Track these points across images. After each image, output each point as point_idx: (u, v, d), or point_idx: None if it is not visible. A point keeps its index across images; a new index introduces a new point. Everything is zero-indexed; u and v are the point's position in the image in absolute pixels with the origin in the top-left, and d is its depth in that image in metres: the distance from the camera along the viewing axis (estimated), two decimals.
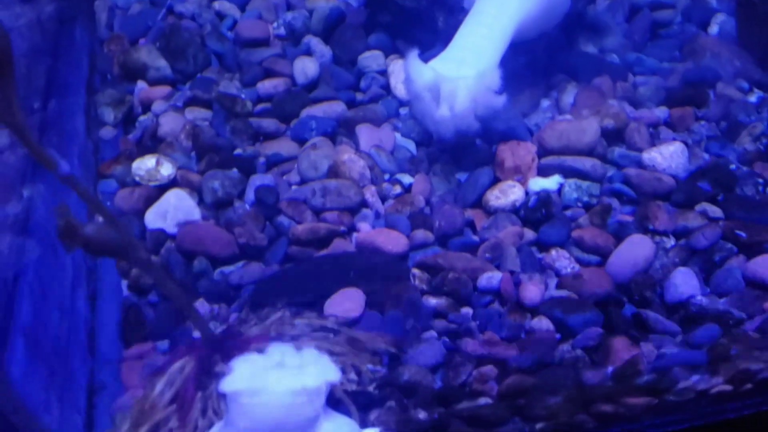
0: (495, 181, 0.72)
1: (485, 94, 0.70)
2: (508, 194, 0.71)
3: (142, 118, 0.80)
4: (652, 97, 0.80)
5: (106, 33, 0.91)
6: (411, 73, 0.72)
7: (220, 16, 0.93)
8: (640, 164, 0.73)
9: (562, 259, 0.67)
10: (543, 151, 0.74)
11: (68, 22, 0.90)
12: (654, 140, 0.75)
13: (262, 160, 0.76)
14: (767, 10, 0.82)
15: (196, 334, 0.60)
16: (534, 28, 0.76)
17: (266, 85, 0.82)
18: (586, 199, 0.71)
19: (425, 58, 0.77)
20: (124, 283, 0.68)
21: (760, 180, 0.71)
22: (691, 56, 0.84)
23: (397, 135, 0.79)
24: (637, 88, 0.81)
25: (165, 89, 0.83)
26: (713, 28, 0.87)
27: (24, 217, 0.62)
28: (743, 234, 0.67)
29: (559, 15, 0.77)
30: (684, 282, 0.64)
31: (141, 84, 0.83)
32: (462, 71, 0.70)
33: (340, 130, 0.78)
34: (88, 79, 0.86)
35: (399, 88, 0.81)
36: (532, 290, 0.64)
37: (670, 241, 0.67)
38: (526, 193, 0.71)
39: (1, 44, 0.43)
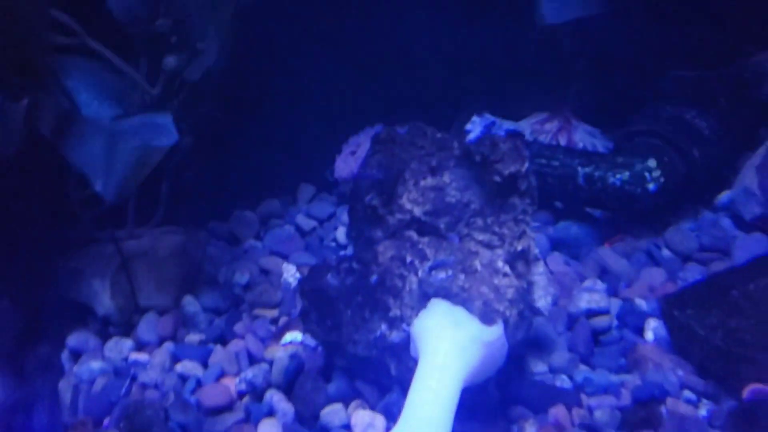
0: None
1: None
2: None
3: None
4: (609, 421, 0.82)
5: (70, 416, 0.92)
6: None
7: (183, 378, 0.95)
8: None
9: None
10: None
11: (27, 409, 0.93)
12: None
13: None
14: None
15: None
16: (481, 374, 0.80)
17: None
18: None
19: (384, 406, 0.82)
20: None
21: None
22: (636, 367, 0.88)
23: None
24: (593, 413, 0.84)
25: None
26: (648, 335, 0.91)
27: None
28: None
29: (502, 356, 0.81)
30: None
31: None
32: None
33: None
34: None
35: None
36: None
37: None
38: None
39: None
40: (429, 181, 0.85)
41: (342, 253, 1.15)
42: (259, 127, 1.24)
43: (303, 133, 1.26)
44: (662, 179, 1.06)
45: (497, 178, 0.84)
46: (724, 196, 1.12)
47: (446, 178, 0.86)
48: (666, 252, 1.06)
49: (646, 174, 1.07)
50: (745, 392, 0.84)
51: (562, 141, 1.30)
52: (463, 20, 1.37)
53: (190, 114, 1.09)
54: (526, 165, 0.85)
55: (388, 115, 1.28)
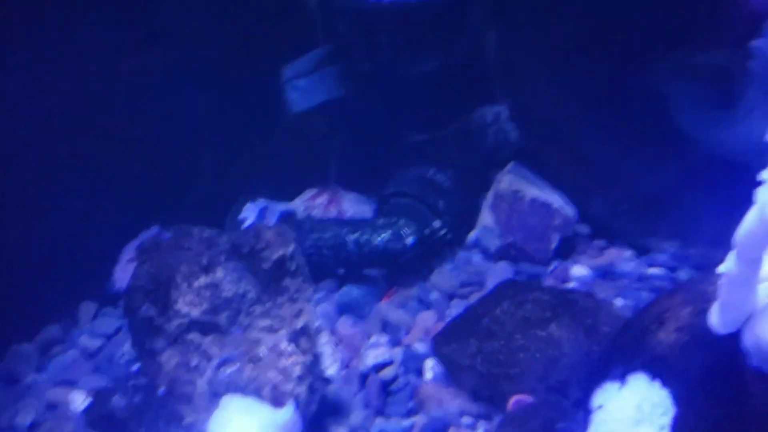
0: None
1: None
2: None
3: None
4: None
5: None
6: None
7: None
8: None
9: None
10: None
11: None
12: None
13: None
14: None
15: None
16: None
17: None
18: None
19: None
20: None
21: None
22: (422, 407, 1.01)
23: None
24: None
25: None
26: (428, 374, 1.05)
27: None
28: None
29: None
30: None
31: None
32: None
33: None
34: None
35: None
36: None
37: None
38: None
39: None
40: (202, 280, 0.92)
41: (135, 366, 1.18)
42: (23, 248, 1.22)
43: (74, 247, 1.24)
44: (417, 232, 1.23)
45: (266, 265, 0.92)
46: (472, 235, 1.30)
47: (219, 273, 0.93)
48: (434, 294, 1.21)
49: (403, 231, 1.22)
50: (509, 404, 0.99)
51: (334, 211, 1.43)
52: (226, 114, 1.47)
53: None
54: (292, 247, 0.95)
55: (167, 214, 1.34)
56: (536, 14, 1.28)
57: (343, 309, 1.20)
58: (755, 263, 0.78)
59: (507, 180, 1.28)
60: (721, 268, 0.82)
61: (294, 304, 0.89)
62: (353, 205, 1.44)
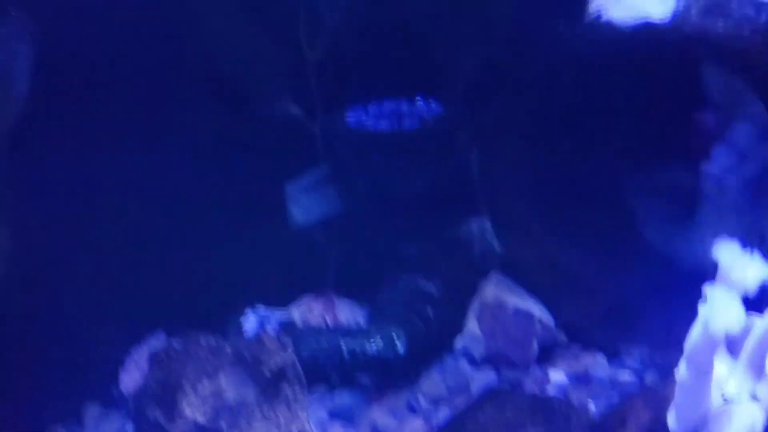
0: None
1: None
2: None
3: None
4: None
5: None
6: None
7: None
8: None
9: None
10: None
11: None
12: None
13: None
14: None
15: None
16: None
17: None
18: None
19: None
20: None
21: None
22: None
23: None
24: None
25: None
26: None
27: None
28: None
29: None
30: None
31: None
32: None
33: None
34: None
35: None
36: None
37: None
38: None
39: None
40: (207, 386, 0.99)
41: None
42: (28, 348, 1.29)
43: (79, 350, 1.30)
44: (406, 340, 1.30)
45: (266, 373, 1.00)
46: (459, 342, 1.38)
47: (222, 380, 1.01)
48: (422, 400, 1.28)
49: (394, 338, 1.31)
50: None
51: (329, 319, 1.51)
52: (230, 227, 1.58)
53: None
54: (291, 356, 1.03)
55: (170, 319, 1.41)
56: (514, 140, 1.42)
57: (335, 414, 1.25)
58: (704, 371, 0.86)
59: (491, 290, 1.37)
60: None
61: (290, 409, 0.96)
62: (348, 312, 1.53)
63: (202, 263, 1.59)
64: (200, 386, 1.00)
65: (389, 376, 1.33)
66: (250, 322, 1.44)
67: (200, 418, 0.96)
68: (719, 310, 0.84)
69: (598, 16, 1.22)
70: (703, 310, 0.85)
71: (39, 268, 1.31)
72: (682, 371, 0.89)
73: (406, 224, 1.48)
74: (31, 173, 1.21)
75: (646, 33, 1.15)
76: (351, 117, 1.48)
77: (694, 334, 0.87)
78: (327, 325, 1.42)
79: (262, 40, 1.47)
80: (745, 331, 0.93)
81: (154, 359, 1.05)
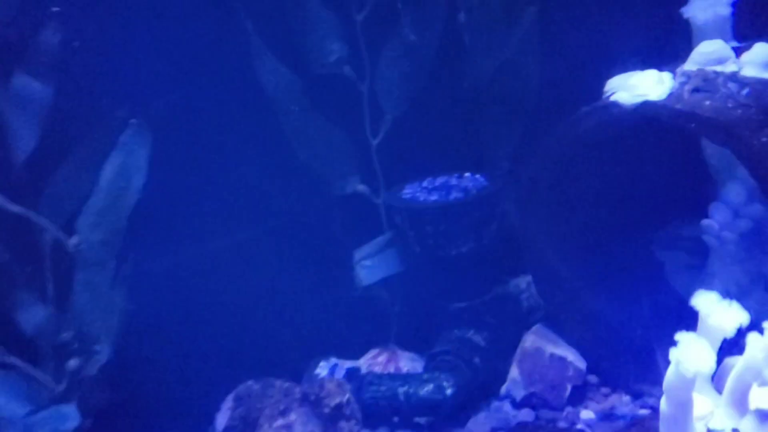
0: None
1: None
2: None
3: None
4: None
5: None
6: None
7: None
8: None
9: None
10: None
11: None
12: None
13: None
14: None
15: None
16: None
17: None
18: None
19: None
20: None
21: None
22: None
23: None
24: None
25: None
26: None
27: None
28: None
29: None
30: None
31: None
32: None
33: None
34: None
35: None
36: None
37: None
38: None
39: None
40: (279, 421, 1.20)
41: None
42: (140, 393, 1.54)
43: (182, 397, 1.54)
44: (455, 385, 1.47)
45: (327, 410, 1.19)
46: (504, 387, 1.53)
47: (292, 416, 1.21)
48: None
49: (444, 384, 1.47)
50: None
51: (392, 368, 1.69)
52: (308, 291, 1.81)
53: (89, 400, 1.40)
54: (347, 396, 1.23)
55: (257, 371, 1.65)
56: (550, 203, 1.58)
57: None
58: (683, 405, 0.97)
59: (530, 339, 1.52)
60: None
61: None
62: (408, 363, 1.71)
63: (286, 321, 1.83)
64: (274, 422, 1.21)
65: (442, 418, 1.50)
66: (323, 370, 1.64)
67: None
68: (688, 353, 0.96)
69: (609, 96, 1.39)
70: (673, 352, 0.97)
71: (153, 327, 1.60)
72: (662, 406, 1.01)
73: (457, 283, 1.67)
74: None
75: (644, 110, 1.31)
76: (407, 191, 1.71)
77: (668, 376, 0.99)
78: (387, 373, 1.61)
79: (334, 129, 1.74)
80: (727, 370, 1.04)
81: (237, 398, 1.28)
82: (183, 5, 1.58)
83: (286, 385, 1.32)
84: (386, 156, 1.75)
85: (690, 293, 1.32)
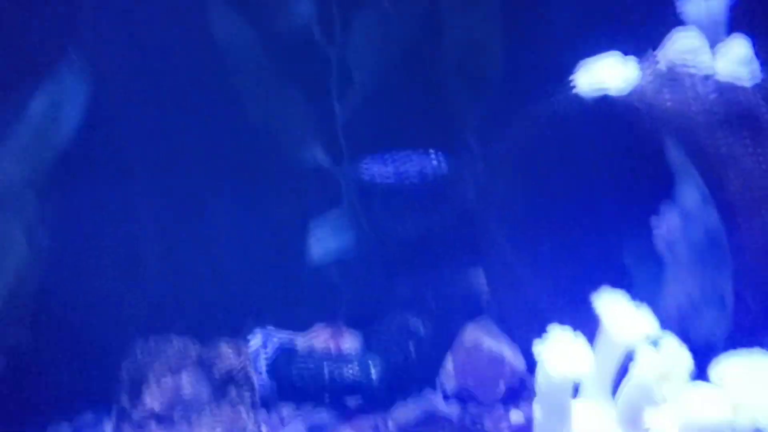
0: None
1: None
2: None
3: None
4: None
5: None
6: None
7: None
8: None
9: None
10: None
11: None
12: None
13: None
14: None
15: None
16: None
17: None
18: None
19: None
20: None
21: None
22: None
23: None
24: None
25: None
26: None
27: None
28: None
29: None
30: None
31: None
32: None
33: None
34: None
35: None
36: None
37: None
38: None
39: None
40: (168, 379, 1.15)
41: None
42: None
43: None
44: (381, 369, 1.41)
45: (218, 374, 1.15)
46: (438, 377, 1.46)
47: (183, 376, 1.16)
48: (391, 425, 1.37)
49: (370, 366, 1.42)
50: None
51: (332, 346, 1.64)
52: (256, 257, 1.76)
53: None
54: (242, 362, 1.18)
55: (194, 331, 1.60)
56: (507, 188, 1.50)
57: (311, 429, 1.39)
58: (557, 414, 0.88)
59: (470, 331, 1.45)
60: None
61: (234, 409, 1.10)
62: (352, 342, 1.65)
63: (229, 285, 1.79)
64: (162, 380, 1.17)
65: (368, 400, 1.45)
66: (256, 338, 1.60)
67: (156, 407, 1.13)
68: (557, 358, 0.88)
69: (573, 84, 1.31)
70: (541, 350, 0.89)
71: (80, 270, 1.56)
72: (536, 412, 0.92)
73: (403, 266, 1.61)
74: (73, 198, 1.47)
75: (603, 104, 1.22)
76: (365, 166, 1.64)
77: (537, 380, 0.90)
78: (319, 352, 1.56)
79: (297, 93, 1.68)
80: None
81: (131, 354, 1.23)
82: None
83: (183, 343, 1.27)
84: (352, 127, 1.69)
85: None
